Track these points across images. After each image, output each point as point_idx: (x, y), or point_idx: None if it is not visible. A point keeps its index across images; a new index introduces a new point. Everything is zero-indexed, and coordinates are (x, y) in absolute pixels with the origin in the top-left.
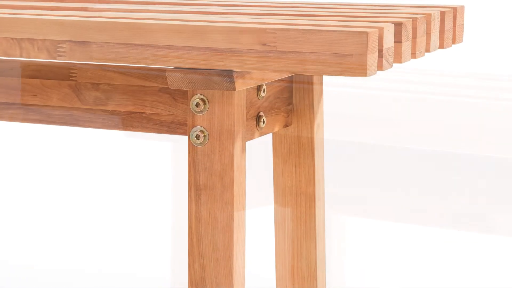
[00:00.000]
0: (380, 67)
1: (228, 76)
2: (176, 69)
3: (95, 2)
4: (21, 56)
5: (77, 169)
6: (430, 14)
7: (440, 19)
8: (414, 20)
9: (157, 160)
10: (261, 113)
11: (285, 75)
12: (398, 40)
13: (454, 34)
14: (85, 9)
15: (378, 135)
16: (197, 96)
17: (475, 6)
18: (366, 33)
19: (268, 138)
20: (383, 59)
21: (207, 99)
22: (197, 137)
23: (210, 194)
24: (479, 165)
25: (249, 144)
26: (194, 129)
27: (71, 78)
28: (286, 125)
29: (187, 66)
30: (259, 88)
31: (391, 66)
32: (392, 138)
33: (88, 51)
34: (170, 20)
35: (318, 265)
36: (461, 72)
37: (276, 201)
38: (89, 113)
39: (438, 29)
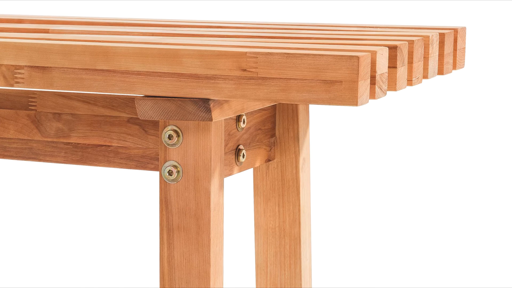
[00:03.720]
0: (372, 95)
1: (204, 105)
2: (146, 97)
3: (56, 23)
4: None
5: (41, 205)
6: (428, 37)
7: (439, 42)
8: (411, 43)
9: (126, 196)
10: (241, 146)
11: (267, 104)
12: (392, 65)
13: (454, 58)
14: (46, 31)
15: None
16: (169, 127)
17: (478, 27)
18: (357, 57)
19: (248, 174)
20: (376, 86)
21: (180, 131)
22: (170, 173)
23: (184, 236)
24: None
25: (227, 180)
26: (167, 164)
27: (30, 107)
28: (268, 160)
29: (158, 94)
30: (238, 118)
31: (385, 94)
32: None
33: (49, 77)
34: (140, 43)
35: None
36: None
37: (257, 244)
38: (50, 146)
39: (437, 53)
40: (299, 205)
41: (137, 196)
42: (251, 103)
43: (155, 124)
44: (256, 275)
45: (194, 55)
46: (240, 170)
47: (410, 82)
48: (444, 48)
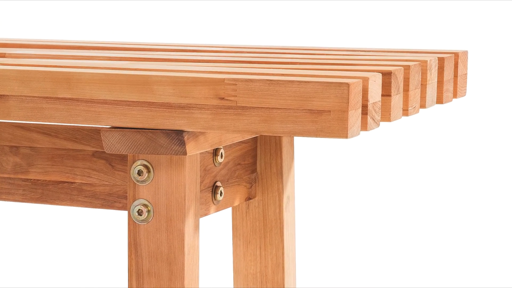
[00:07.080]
0: (364, 126)
1: (177, 137)
2: (114, 128)
3: (13, 46)
4: None
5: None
6: (425, 61)
7: (438, 67)
8: (406, 68)
9: (91, 239)
10: (218, 183)
11: (247, 136)
12: (386, 93)
13: (455, 85)
14: (2, 55)
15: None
16: (139, 162)
17: (481, 51)
18: (347, 84)
19: (227, 214)
20: (368, 116)
21: (151, 166)
22: (140, 212)
23: (156, 283)
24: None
25: (203, 221)
26: (136, 202)
27: None
28: (248, 198)
29: (126, 125)
30: (215, 152)
31: (378, 125)
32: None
33: (6, 106)
34: (106, 68)
35: None
36: None
37: None
38: (7, 183)
39: (436, 80)
40: (283, 248)
41: (103, 239)
42: (230, 135)
43: (123, 158)
44: None
45: (166, 82)
46: (218, 210)
47: (406, 111)
48: (444, 74)
